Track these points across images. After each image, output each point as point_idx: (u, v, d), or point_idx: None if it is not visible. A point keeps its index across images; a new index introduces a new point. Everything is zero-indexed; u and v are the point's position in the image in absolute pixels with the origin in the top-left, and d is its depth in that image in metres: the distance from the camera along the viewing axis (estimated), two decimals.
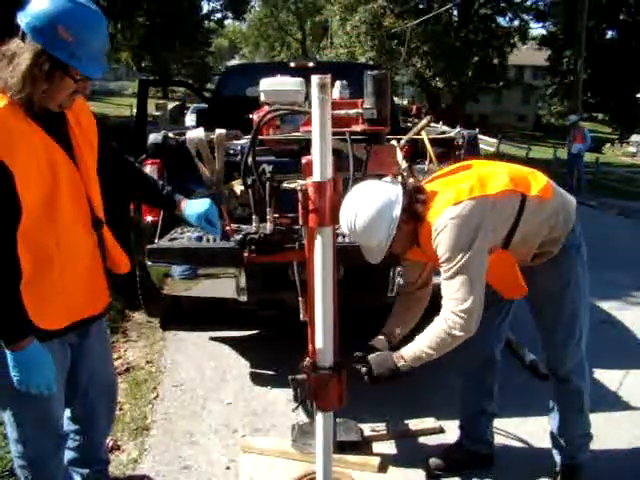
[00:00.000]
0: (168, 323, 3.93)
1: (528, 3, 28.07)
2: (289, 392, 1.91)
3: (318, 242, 1.69)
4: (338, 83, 3.09)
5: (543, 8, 29.01)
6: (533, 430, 2.66)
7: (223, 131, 2.97)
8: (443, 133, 3.73)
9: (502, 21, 26.87)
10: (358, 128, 1.99)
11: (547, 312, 2.16)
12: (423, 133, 3.10)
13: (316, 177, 1.65)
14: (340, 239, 2.59)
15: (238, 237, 2.14)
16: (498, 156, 17.67)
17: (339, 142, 1.94)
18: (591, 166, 16.52)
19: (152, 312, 3.75)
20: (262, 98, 3.40)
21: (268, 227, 2.09)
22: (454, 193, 1.89)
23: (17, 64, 1.46)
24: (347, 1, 25.66)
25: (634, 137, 28.12)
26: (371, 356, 2.00)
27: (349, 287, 2.25)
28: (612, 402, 3.02)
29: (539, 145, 24.78)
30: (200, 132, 2.99)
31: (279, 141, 3.10)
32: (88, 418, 1.95)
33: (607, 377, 3.28)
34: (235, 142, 3.10)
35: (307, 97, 3.04)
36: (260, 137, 2.68)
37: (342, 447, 2.41)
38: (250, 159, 1.97)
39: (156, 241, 2.90)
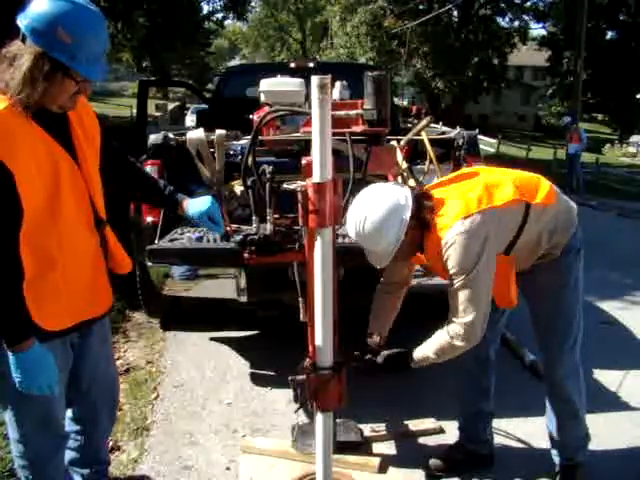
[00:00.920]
0: (168, 323, 3.93)
1: (528, 4, 28.15)
2: (289, 392, 1.91)
3: (318, 243, 1.69)
4: (338, 84, 3.09)
5: (543, 8, 29.06)
6: (533, 430, 2.66)
7: (223, 132, 2.97)
8: (443, 134, 3.73)
9: (502, 22, 26.96)
10: (358, 129, 2.00)
11: (545, 311, 2.17)
12: (423, 134, 3.09)
13: (316, 178, 1.65)
14: (340, 240, 2.60)
15: (238, 238, 2.14)
16: (498, 156, 17.70)
17: (339, 143, 1.94)
18: (591, 166, 16.55)
19: (152, 312, 3.75)
20: (262, 99, 3.40)
21: (268, 228, 2.09)
22: (463, 205, 1.89)
23: (17, 66, 1.46)
24: (347, 2, 25.71)
25: (634, 137, 28.16)
26: (385, 352, 2.09)
27: (349, 287, 2.25)
28: (612, 402, 3.02)
29: (539, 145, 24.78)
30: (200, 132, 2.99)
31: (279, 142, 3.10)
32: (90, 419, 1.95)
33: (607, 377, 3.28)
34: (235, 143, 3.11)
35: (307, 98, 3.05)
36: (260, 138, 2.68)
37: (342, 447, 2.41)
38: (250, 160, 1.96)
39: (156, 242, 2.90)
